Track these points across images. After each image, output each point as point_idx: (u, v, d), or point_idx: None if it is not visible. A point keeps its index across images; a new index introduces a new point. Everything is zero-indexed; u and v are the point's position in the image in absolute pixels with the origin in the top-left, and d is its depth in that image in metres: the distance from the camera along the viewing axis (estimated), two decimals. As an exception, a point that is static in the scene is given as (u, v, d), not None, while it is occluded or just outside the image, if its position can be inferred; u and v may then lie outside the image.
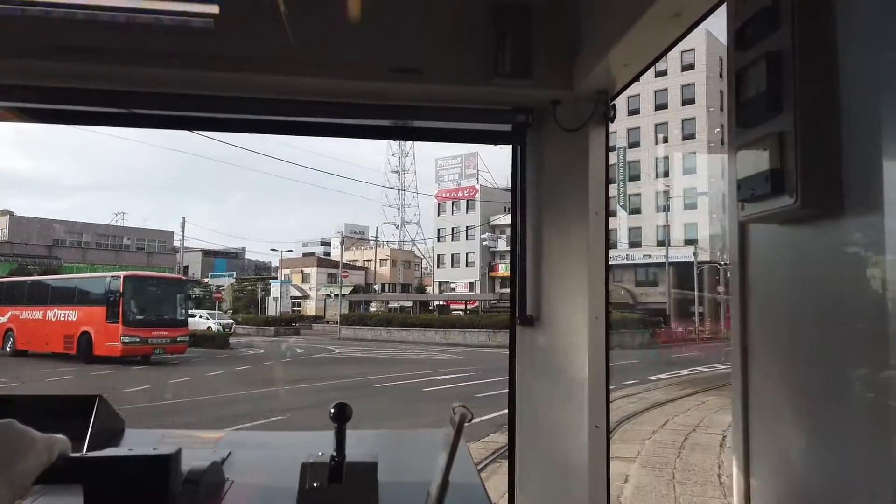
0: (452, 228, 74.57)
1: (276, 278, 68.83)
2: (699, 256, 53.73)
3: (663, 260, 55.21)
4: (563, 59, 1.83)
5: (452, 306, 57.38)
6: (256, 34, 1.70)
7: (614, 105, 1.87)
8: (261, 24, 1.69)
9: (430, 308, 55.53)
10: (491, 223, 69.56)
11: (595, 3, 1.73)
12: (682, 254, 53.94)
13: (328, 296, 64.30)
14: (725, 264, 50.62)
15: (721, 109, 60.27)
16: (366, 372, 21.58)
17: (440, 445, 1.23)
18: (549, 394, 1.96)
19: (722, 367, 24.31)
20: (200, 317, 48.19)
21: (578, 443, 1.82)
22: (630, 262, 60.02)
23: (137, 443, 1.67)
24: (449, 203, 76.36)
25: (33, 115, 1.91)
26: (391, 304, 57.40)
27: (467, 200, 74.26)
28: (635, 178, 59.45)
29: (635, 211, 60.49)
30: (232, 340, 38.71)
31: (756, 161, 1.11)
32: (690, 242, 54.87)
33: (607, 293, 1.86)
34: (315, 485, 1.30)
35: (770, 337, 1.17)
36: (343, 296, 55.30)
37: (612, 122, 1.88)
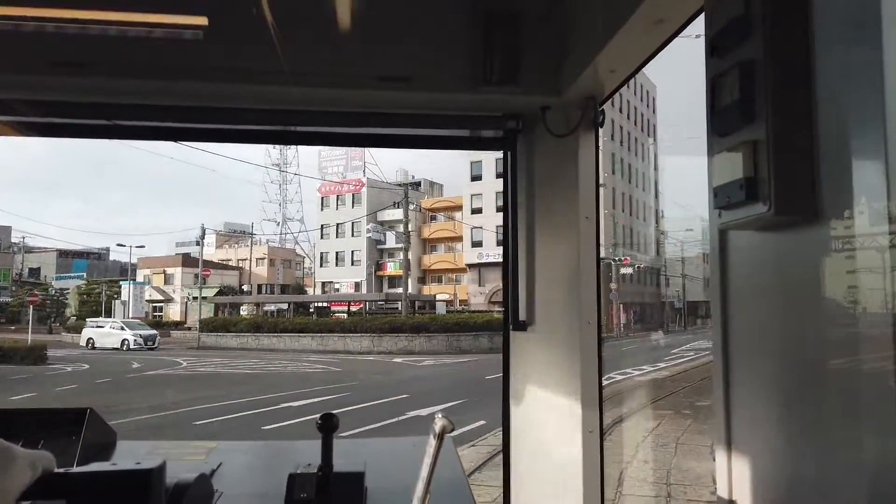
0: (337, 224, 68.94)
1: (134, 279, 59.75)
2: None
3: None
4: (551, 65, 1.84)
5: (335, 308, 51.86)
6: (245, 45, 1.71)
7: (603, 110, 1.88)
8: (249, 35, 1.69)
9: (311, 310, 49.77)
10: (379, 218, 64.81)
11: (581, 10, 1.72)
12: (576, 250, 52.11)
13: (188, 298, 56.37)
14: (620, 260, 49.17)
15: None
16: (200, 397, 16.07)
17: (424, 456, 1.24)
18: (542, 399, 1.97)
19: (637, 373, 21.33)
20: (112, 327, 38.46)
21: (572, 448, 1.83)
22: (523, 259, 57.56)
23: (128, 455, 1.65)
24: (333, 197, 70.63)
25: (25, 128, 1.89)
26: (268, 307, 50.86)
27: (353, 194, 68.96)
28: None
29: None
30: (58, 353, 31.12)
31: (731, 169, 1.11)
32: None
33: (599, 297, 1.87)
34: (302, 496, 1.31)
35: (751, 342, 1.17)
36: (205, 298, 48.12)
37: (601, 127, 1.89)
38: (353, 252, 68.54)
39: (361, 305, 50.64)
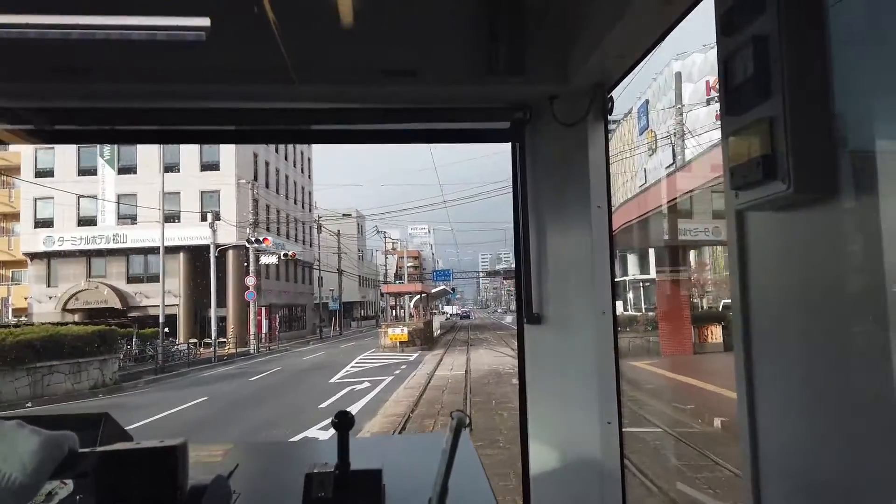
0: None
1: None
2: (224, 236, 37.42)
3: (177, 242, 37.39)
4: (558, 53, 1.81)
5: None
6: (249, 44, 1.69)
7: (612, 97, 1.86)
8: (252, 34, 1.67)
9: None
10: None
11: None
12: (200, 234, 36.87)
13: None
14: (256, 241, 35.25)
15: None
16: None
17: (442, 451, 1.25)
18: (559, 391, 1.95)
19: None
20: None
21: (591, 440, 1.84)
22: (120, 245, 39.31)
23: None
24: None
25: (33, 136, 1.88)
26: None
27: None
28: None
29: (129, 170, 39.99)
30: None
31: (747, 148, 1.09)
32: (215, 218, 38.13)
33: (613, 287, 1.88)
34: (320, 494, 1.29)
35: (772, 325, 1.14)
36: None
37: (611, 114, 1.87)
38: None
39: None
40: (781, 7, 1.01)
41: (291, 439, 10.39)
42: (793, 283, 1.07)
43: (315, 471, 1.33)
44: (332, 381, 18.87)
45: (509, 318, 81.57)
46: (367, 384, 17.45)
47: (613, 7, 1.44)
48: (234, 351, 32.49)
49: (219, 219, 38.09)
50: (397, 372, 20.52)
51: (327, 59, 1.72)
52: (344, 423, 1.34)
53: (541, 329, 1.96)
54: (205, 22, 1.56)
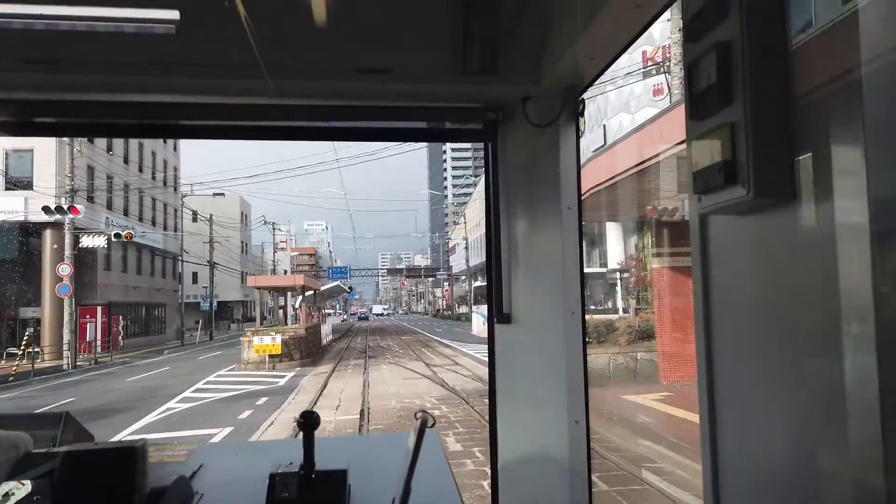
0: None
1: None
2: (31, 211, 27.70)
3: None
4: (531, 54, 1.82)
5: None
6: (219, 38, 1.67)
7: (583, 100, 1.88)
8: (223, 28, 1.64)
9: None
10: None
11: None
12: (6, 206, 27.11)
13: None
14: (59, 210, 25.65)
15: None
16: None
17: (406, 452, 1.23)
18: (528, 390, 1.95)
19: None
20: None
21: (559, 439, 1.84)
22: None
23: None
24: None
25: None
26: None
27: None
28: None
29: None
30: None
31: (709, 153, 1.12)
32: (27, 187, 28.18)
33: (582, 288, 1.88)
34: (284, 495, 1.29)
35: (733, 326, 1.17)
36: None
37: (582, 116, 1.88)
38: None
39: None
40: (744, 14, 1.02)
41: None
42: (753, 285, 1.08)
43: (279, 471, 1.32)
44: (120, 436, 10.71)
45: (410, 320, 74.37)
46: (171, 450, 9.52)
47: (585, 10, 1.46)
48: (31, 366, 22.91)
49: (28, 187, 28.12)
50: (246, 414, 12.66)
51: (300, 56, 1.72)
52: (309, 423, 1.32)
53: (511, 328, 1.97)
54: (174, 15, 1.52)
